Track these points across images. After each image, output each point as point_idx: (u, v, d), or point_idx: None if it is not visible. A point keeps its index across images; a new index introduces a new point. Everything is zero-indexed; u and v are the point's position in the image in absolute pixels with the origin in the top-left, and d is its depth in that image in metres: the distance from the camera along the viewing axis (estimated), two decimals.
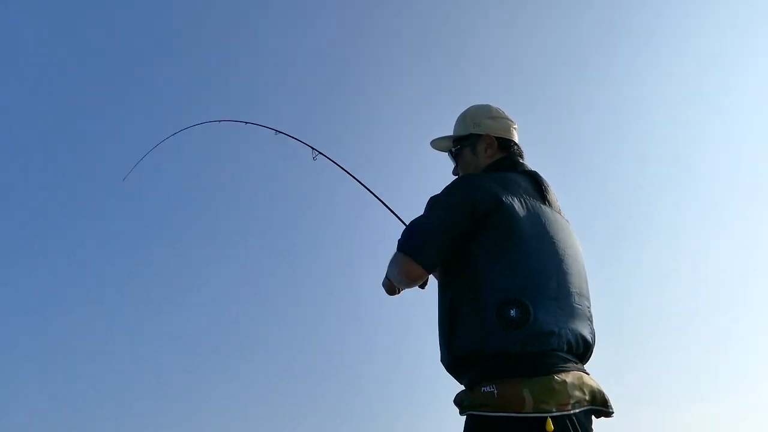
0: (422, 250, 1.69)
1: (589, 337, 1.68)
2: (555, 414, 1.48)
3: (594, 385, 1.62)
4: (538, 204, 1.75)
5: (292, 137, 2.78)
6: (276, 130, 2.85)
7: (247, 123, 3.02)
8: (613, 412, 1.65)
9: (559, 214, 1.83)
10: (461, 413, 1.59)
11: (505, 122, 1.99)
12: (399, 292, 2.02)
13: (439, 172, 2.11)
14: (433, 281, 1.92)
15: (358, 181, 2.58)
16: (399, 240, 1.75)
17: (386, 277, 1.92)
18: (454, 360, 1.64)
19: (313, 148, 2.68)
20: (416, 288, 2.00)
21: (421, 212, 1.77)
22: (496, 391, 1.50)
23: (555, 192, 1.89)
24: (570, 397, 1.52)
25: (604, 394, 1.64)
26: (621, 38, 10.65)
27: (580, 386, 1.56)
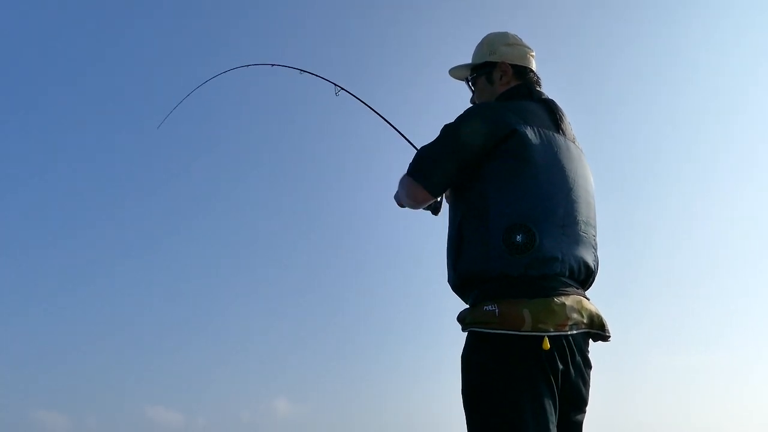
0: (428, 175, 1.74)
1: (592, 264, 1.72)
2: (552, 333, 1.55)
3: (593, 309, 1.68)
4: (551, 133, 1.76)
5: (316, 75, 2.82)
6: (301, 70, 2.89)
7: (273, 65, 3.07)
8: (609, 336, 1.72)
9: (573, 143, 1.83)
10: (463, 329, 1.67)
11: (521, 49, 1.96)
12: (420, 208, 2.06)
13: (460, 105, 2.12)
14: (446, 207, 1.97)
15: (377, 113, 2.60)
16: (410, 164, 1.80)
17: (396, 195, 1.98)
18: (459, 280, 1.71)
19: (335, 84, 2.71)
20: (431, 214, 2.06)
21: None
22: (497, 310, 1.57)
23: (571, 121, 1.88)
24: (568, 318, 1.58)
25: (602, 318, 1.70)
26: None
27: (579, 309, 1.62)
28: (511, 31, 2.01)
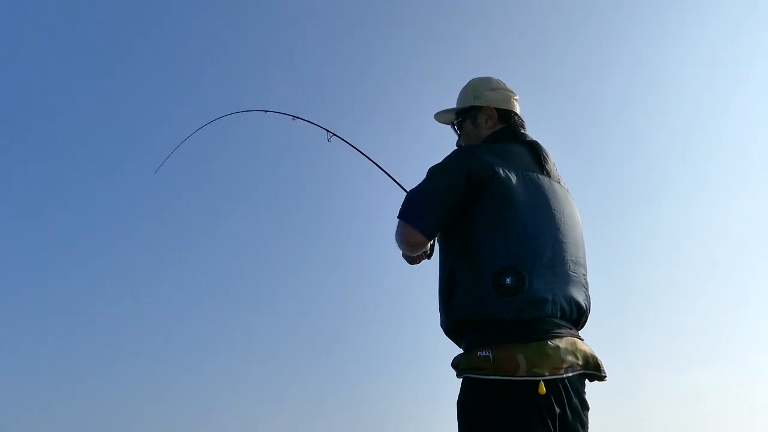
0: (421, 217, 1.74)
1: (583, 303, 1.72)
2: (548, 377, 1.54)
3: (587, 350, 1.67)
4: (535, 174, 1.78)
5: (309, 121, 2.85)
6: (293, 116, 2.92)
7: (267, 111, 3.10)
8: (606, 376, 1.71)
9: (558, 183, 1.85)
10: (458, 376, 1.65)
11: (505, 93, 2.00)
12: (419, 262, 2.07)
13: (449, 147, 2.14)
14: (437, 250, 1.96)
15: (369, 158, 2.61)
16: (400, 208, 1.80)
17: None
18: (451, 325, 1.70)
19: (327, 131, 2.74)
20: (426, 261, 2.06)
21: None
22: (491, 356, 1.56)
23: (557, 162, 1.90)
24: (563, 361, 1.57)
25: (597, 358, 1.69)
26: None
27: (574, 351, 1.61)
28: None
